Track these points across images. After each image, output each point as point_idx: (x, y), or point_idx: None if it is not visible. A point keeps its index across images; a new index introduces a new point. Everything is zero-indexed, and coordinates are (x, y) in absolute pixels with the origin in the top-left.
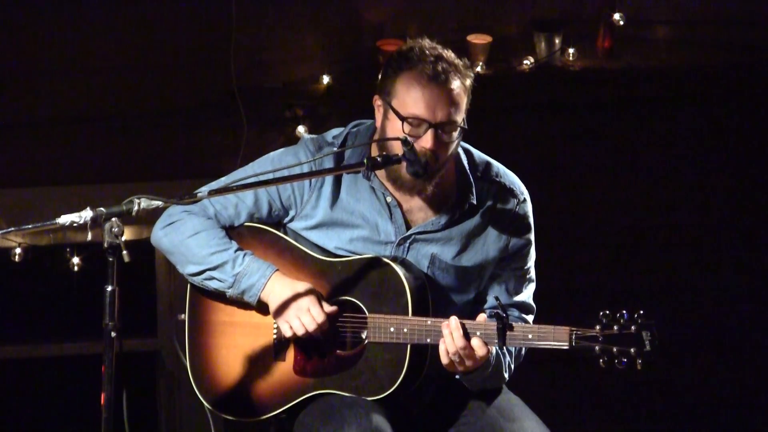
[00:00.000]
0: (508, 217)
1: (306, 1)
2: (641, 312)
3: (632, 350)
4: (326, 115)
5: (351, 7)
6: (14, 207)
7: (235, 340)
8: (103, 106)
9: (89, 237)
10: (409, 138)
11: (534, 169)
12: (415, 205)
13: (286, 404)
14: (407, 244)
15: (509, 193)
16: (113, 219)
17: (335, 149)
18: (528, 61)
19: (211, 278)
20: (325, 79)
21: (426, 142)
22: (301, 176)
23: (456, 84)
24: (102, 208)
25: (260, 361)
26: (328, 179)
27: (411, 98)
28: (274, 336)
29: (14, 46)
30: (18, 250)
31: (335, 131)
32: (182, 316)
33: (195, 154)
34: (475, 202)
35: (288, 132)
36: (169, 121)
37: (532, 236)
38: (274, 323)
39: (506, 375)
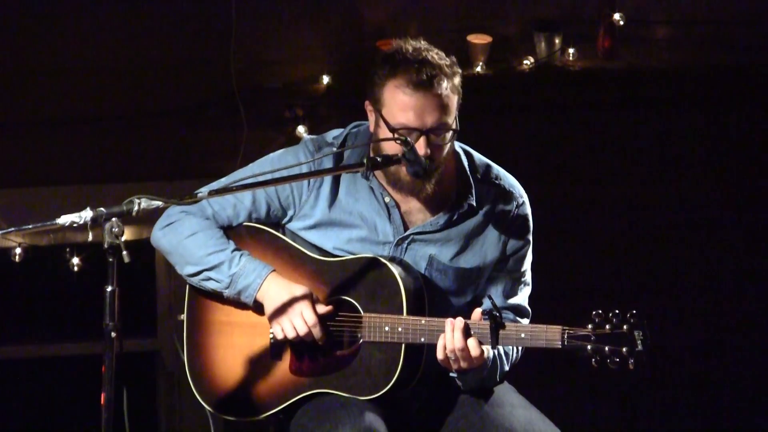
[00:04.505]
0: (507, 219)
1: (306, 1)
2: (634, 311)
3: (624, 350)
4: (326, 115)
5: (351, 7)
6: (14, 207)
7: (233, 339)
8: (103, 106)
9: (89, 237)
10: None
11: (533, 168)
12: (413, 205)
13: (282, 404)
14: (405, 245)
15: (509, 195)
16: (113, 219)
17: (334, 150)
18: (528, 61)
19: (208, 279)
20: (325, 79)
21: (419, 148)
22: (299, 177)
23: (443, 87)
24: (102, 208)
25: (257, 361)
26: (327, 179)
27: (398, 108)
28: (271, 335)
29: (14, 46)
30: (18, 250)
31: (335, 132)
32: (181, 316)
33: (195, 154)
34: (474, 203)
35: (288, 132)
36: (169, 121)
37: (530, 239)
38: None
39: (499, 378)
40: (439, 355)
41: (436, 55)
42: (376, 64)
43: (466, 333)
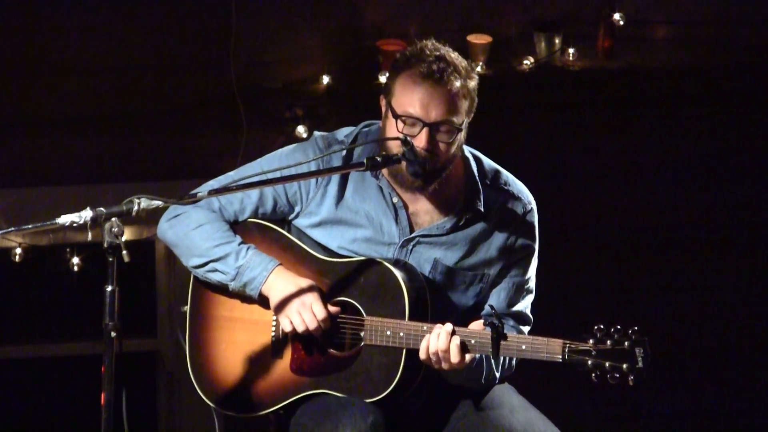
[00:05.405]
0: (514, 225)
1: (306, 1)
2: (635, 328)
3: (624, 366)
4: (326, 115)
5: (351, 7)
6: (14, 207)
7: (234, 335)
8: (103, 106)
9: (89, 237)
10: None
11: (533, 169)
12: (421, 207)
13: (281, 402)
14: (410, 247)
15: (517, 201)
16: (113, 219)
17: (343, 147)
18: (528, 61)
19: (214, 270)
20: (325, 79)
21: (420, 141)
22: (302, 176)
23: (454, 84)
24: (102, 208)
25: (258, 358)
26: (335, 177)
27: (406, 97)
28: (273, 333)
29: (14, 46)
30: (18, 250)
31: (346, 130)
32: (185, 307)
33: (195, 154)
34: (482, 209)
35: (288, 132)
36: (169, 121)
37: (535, 246)
38: (273, 321)
39: (484, 381)
40: (422, 355)
41: (454, 55)
42: (395, 58)
43: (452, 336)
